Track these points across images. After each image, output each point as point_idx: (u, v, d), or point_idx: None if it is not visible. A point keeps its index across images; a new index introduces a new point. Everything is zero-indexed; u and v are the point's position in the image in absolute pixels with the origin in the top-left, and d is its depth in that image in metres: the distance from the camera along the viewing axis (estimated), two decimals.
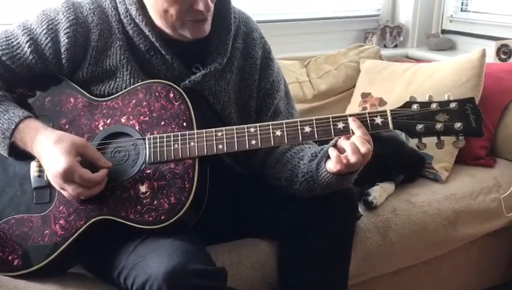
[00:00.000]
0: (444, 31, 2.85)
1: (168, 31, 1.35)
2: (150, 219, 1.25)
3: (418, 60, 2.58)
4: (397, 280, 1.89)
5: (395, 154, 1.69)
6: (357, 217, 1.62)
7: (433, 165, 1.97)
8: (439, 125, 1.21)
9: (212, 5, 1.33)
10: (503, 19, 2.55)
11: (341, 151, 1.24)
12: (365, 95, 2.23)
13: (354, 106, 2.25)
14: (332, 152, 1.25)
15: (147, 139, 1.30)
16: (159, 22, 1.34)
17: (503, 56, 2.42)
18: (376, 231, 1.70)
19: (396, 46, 2.83)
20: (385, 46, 2.82)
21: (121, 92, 1.36)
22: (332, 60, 2.42)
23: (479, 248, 2.05)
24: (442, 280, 2.01)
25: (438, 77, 2.08)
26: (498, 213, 1.97)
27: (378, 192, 1.77)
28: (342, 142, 1.25)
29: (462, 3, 2.79)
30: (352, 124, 1.23)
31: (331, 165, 1.26)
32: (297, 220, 1.43)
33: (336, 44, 2.65)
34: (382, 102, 2.15)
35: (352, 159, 1.21)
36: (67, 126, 1.35)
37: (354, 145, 1.21)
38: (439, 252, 1.91)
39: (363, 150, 1.21)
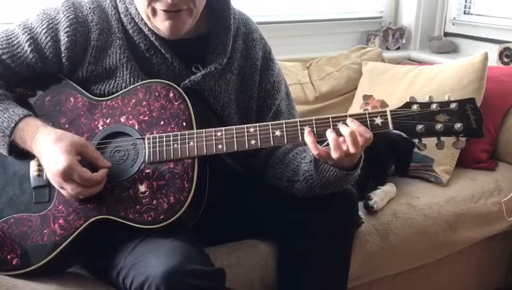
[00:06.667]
0: (446, 34, 2.85)
1: (149, 24, 1.35)
2: (149, 218, 1.25)
3: (420, 63, 2.58)
4: (397, 283, 1.88)
5: (381, 141, 1.61)
6: (358, 224, 1.62)
7: (434, 168, 1.96)
8: (439, 126, 1.21)
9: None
10: (506, 22, 2.54)
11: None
12: (367, 97, 2.23)
13: (356, 108, 2.25)
14: (330, 134, 1.23)
15: (146, 138, 1.30)
16: (140, 11, 1.34)
17: (505, 59, 2.41)
18: (376, 234, 1.70)
19: (398, 48, 2.83)
20: (387, 49, 2.81)
21: (120, 92, 1.36)
22: (334, 62, 2.42)
23: (479, 252, 2.05)
24: (443, 284, 2.01)
25: (439, 80, 2.08)
26: (499, 217, 1.96)
27: (380, 196, 1.76)
28: (341, 128, 1.24)
29: (465, 6, 2.78)
30: (351, 124, 1.23)
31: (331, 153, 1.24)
32: (297, 223, 1.42)
33: (338, 46, 2.65)
34: (384, 104, 2.14)
35: (348, 140, 1.20)
36: (67, 125, 1.35)
37: (353, 131, 1.22)
38: (439, 255, 1.90)
39: (361, 140, 1.21)
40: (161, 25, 1.33)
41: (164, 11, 1.30)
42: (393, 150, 1.80)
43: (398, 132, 1.25)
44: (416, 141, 1.25)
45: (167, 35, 1.34)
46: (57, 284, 1.28)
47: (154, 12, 1.32)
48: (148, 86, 1.35)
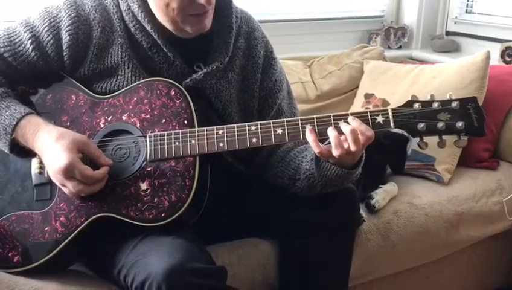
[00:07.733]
0: (448, 33, 2.84)
1: (170, 27, 1.35)
2: (150, 216, 1.25)
3: (422, 62, 2.57)
4: (398, 282, 1.88)
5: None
6: (359, 222, 1.62)
7: (436, 167, 1.96)
8: (440, 124, 1.21)
9: None
10: (508, 21, 2.53)
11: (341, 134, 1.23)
12: (368, 96, 2.23)
13: (357, 107, 2.25)
14: (331, 132, 1.23)
15: (147, 136, 1.30)
16: (160, 17, 1.34)
17: (507, 58, 2.41)
18: (377, 233, 1.69)
19: (400, 47, 2.82)
20: (389, 47, 2.81)
21: (122, 90, 1.36)
22: (335, 61, 2.41)
23: (481, 251, 2.04)
24: (444, 283, 2.01)
25: (441, 79, 2.08)
26: (500, 216, 1.96)
27: (382, 195, 1.76)
28: (342, 126, 1.24)
29: (467, 4, 2.77)
30: (353, 122, 1.23)
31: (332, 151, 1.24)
32: (298, 221, 1.42)
33: (340, 44, 2.65)
34: (385, 103, 2.14)
35: (349, 138, 1.20)
36: (68, 123, 1.35)
37: (354, 128, 1.21)
38: (441, 254, 1.90)
39: (362, 138, 1.21)
40: (191, 28, 1.33)
41: (196, 14, 1.31)
42: (382, 150, 1.78)
43: (398, 130, 1.24)
44: (417, 139, 1.24)
45: (195, 33, 1.35)
46: (57, 282, 1.28)
47: (184, 18, 1.31)
48: (149, 84, 1.35)
